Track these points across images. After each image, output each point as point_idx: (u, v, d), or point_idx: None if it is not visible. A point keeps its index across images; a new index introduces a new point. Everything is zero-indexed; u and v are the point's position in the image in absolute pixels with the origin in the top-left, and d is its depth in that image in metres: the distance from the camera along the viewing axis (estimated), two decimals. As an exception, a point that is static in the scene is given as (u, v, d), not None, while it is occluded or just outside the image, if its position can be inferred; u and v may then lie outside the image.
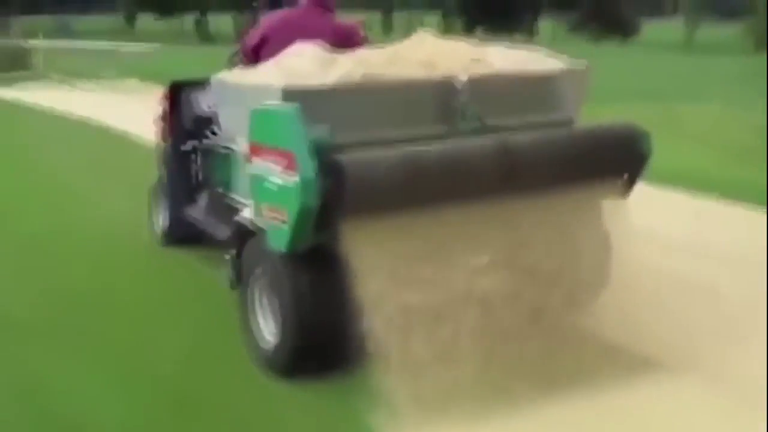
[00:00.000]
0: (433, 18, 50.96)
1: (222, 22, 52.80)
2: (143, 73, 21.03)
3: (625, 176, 4.55)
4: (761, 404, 3.97)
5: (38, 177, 9.63)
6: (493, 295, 4.22)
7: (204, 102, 6.03)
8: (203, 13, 55.45)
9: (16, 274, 6.10)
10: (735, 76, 16.76)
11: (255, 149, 4.17)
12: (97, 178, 9.42)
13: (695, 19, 45.72)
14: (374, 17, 51.36)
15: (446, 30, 46.58)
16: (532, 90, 4.60)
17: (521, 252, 4.32)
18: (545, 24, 50.72)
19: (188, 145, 6.17)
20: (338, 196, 3.79)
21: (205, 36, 52.36)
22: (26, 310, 5.36)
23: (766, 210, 6.97)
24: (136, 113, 11.42)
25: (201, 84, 6.02)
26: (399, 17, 53.38)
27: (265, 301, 4.48)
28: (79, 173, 9.70)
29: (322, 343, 4.24)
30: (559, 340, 4.35)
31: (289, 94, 4.04)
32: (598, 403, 4.05)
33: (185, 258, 6.37)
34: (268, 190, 4.06)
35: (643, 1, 51.28)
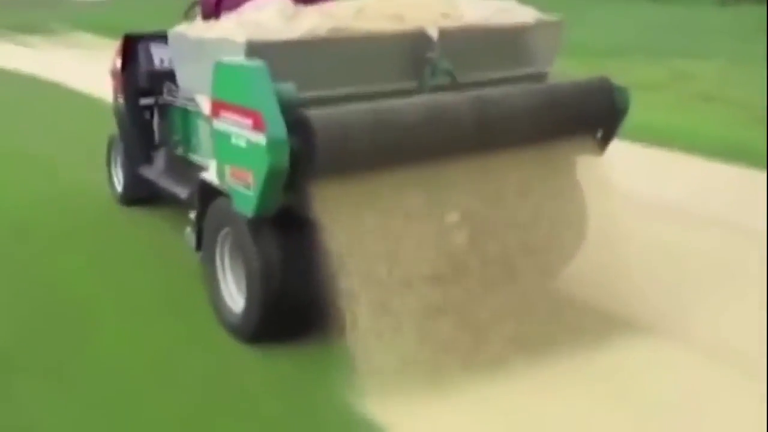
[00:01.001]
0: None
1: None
2: (97, 26, 19.56)
3: (601, 132, 4.44)
4: (734, 364, 3.95)
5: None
6: (468, 254, 4.12)
7: (160, 56, 5.80)
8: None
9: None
10: (724, 29, 16.18)
11: (218, 107, 3.98)
12: (57, 138, 8.93)
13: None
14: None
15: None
16: (504, 43, 4.46)
17: (495, 209, 4.21)
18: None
19: (144, 102, 5.95)
20: (308, 155, 3.63)
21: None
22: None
23: (766, 174, 6.74)
24: (94, 71, 10.88)
25: (157, 37, 5.80)
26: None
27: (231, 264, 4.32)
28: (39, 135, 9.17)
29: (291, 309, 4.09)
30: (535, 298, 4.25)
31: (254, 48, 3.86)
32: (574, 363, 3.96)
33: (145, 218, 6.18)
34: (233, 150, 3.88)
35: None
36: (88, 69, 11.95)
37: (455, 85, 4.20)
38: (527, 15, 4.56)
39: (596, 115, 4.38)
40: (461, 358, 3.83)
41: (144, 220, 6.19)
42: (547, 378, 3.85)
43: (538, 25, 4.54)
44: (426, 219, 4.05)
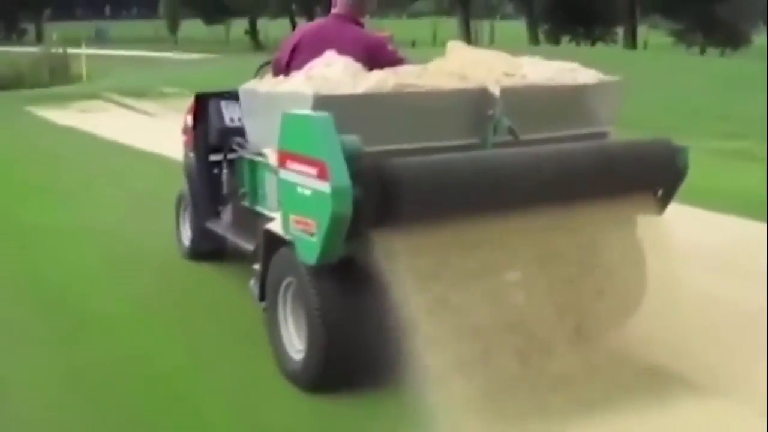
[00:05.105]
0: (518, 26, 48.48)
1: (272, 28, 51.34)
2: (206, 87, 17.51)
3: (660, 192, 4.47)
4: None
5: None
6: (528, 311, 4.14)
7: (229, 113, 5.99)
8: (254, 19, 54.73)
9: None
10: None
11: (285, 157, 4.11)
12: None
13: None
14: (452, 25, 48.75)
15: (531, 39, 43.69)
16: (566, 102, 4.53)
17: (554, 266, 4.24)
18: (642, 32, 45.59)
19: (213, 158, 6.12)
20: (371, 204, 3.72)
21: (257, 44, 51.43)
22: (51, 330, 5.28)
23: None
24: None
25: (227, 95, 5.99)
26: (482, 25, 50.20)
27: (293, 313, 4.40)
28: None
29: (352, 357, 4.14)
30: (594, 357, 4.23)
31: (320, 102, 3.99)
32: (636, 423, 3.92)
33: (211, 271, 6.30)
34: (298, 199, 4.00)
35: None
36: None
37: (517, 142, 4.27)
38: (589, 76, 4.63)
39: (656, 175, 4.43)
40: (523, 414, 3.80)
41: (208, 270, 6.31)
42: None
43: (600, 85, 4.61)
44: (487, 274, 4.09)
